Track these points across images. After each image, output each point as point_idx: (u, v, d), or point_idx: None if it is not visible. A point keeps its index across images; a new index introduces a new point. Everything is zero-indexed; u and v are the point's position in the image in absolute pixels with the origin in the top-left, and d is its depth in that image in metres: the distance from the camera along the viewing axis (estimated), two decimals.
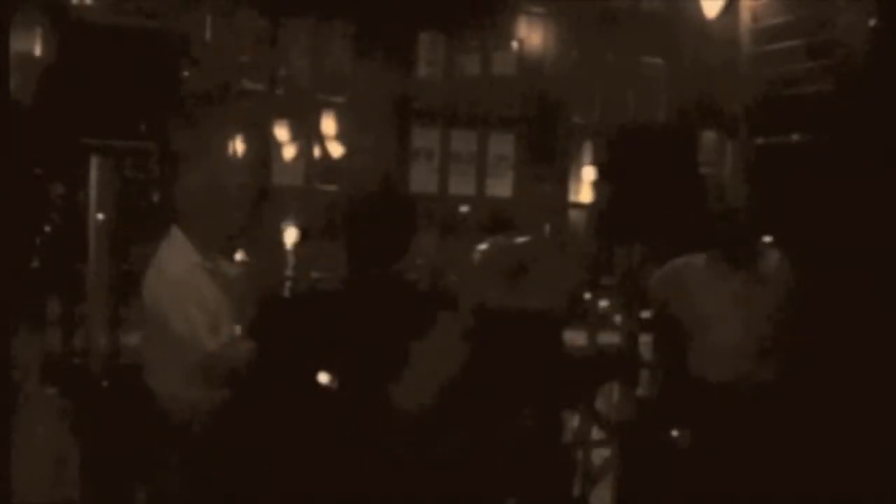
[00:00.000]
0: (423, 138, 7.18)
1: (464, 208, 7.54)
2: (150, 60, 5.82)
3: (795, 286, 5.34)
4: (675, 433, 5.50)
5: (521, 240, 5.52)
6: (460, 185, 7.27)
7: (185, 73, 6.20)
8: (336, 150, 7.53)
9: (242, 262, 6.57)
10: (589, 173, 7.71)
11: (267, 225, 6.66)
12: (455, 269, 6.14)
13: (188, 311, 4.82)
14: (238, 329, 5.05)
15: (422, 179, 7.11)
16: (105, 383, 5.64)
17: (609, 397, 7.39)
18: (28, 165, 5.85)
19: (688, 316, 5.49)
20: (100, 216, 6.20)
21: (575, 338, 6.24)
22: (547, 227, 7.27)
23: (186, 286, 4.88)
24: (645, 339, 7.34)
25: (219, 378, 4.87)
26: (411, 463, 4.68)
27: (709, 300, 5.36)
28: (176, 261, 4.98)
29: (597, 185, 7.55)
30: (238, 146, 7.08)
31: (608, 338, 7.46)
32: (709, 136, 7.21)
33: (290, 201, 6.86)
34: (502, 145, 7.45)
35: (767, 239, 5.51)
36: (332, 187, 6.94)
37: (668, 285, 5.63)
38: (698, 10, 7.11)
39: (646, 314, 7.53)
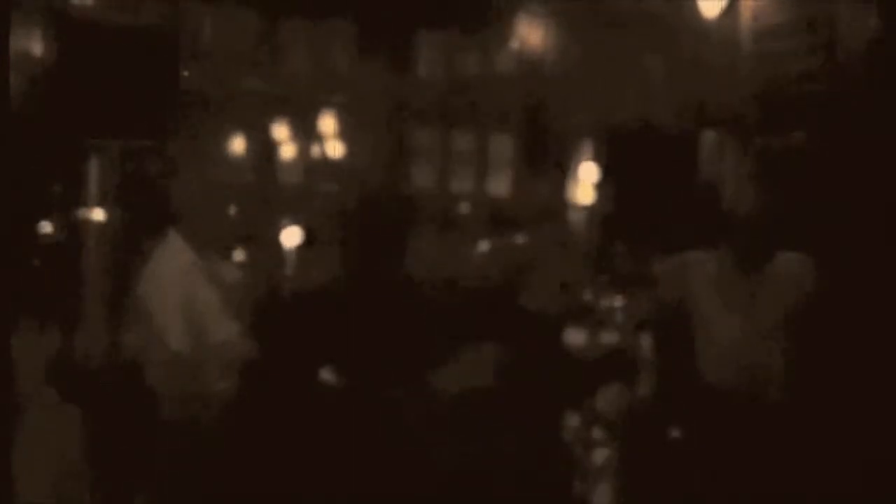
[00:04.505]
0: (423, 138, 7.17)
1: (464, 207, 7.54)
2: (150, 60, 5.82)
3: (802, 289, 5.33)
4: (675, 433, 5.49)
5: (520, 239, 5.52)
6: (460, 184, 7.26)
7: (185, 73, 6.19)
8: (336, 150, 7.52)
9: (241, 263, 6.57)
10: (589, 173, 7.71)
11: (266, 224, 6.65)
12: (455, 268, 6.14)
13: (168, 310, 4.84)
14: (236, 329, 5.05)
15: (421, 179, 7.10)
16: (105, 383, 5.64)
17: (609, 397, 7.37)
18: (28, 165, 5.84)
19: (691, 312, 5.48)
20: (99, 216, 6.20)
21: (575, 338, 6.24)
22: (547, 227, 7.26)
23: (175, 286, 4.89)
24: (645, 339, 7.33)
25: (213, 374, 4.88)
26: (412, 463, 4.67)
27: (713, 299, 5.35)
28: (169, 260, 4.99)
29: (597, 184, 7.54)
30: (237, 146, 7.08)
31: (608, 338, 7.45)
32: (709, 136, 7.20)
33: (290, 201, 6.85)
34: (502, 145, 7.44)
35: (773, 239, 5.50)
36: (332, 187, 6.93)
37: (673, 276, 5.62)
38: (698, 10, 7.11)
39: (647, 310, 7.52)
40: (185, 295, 4.89)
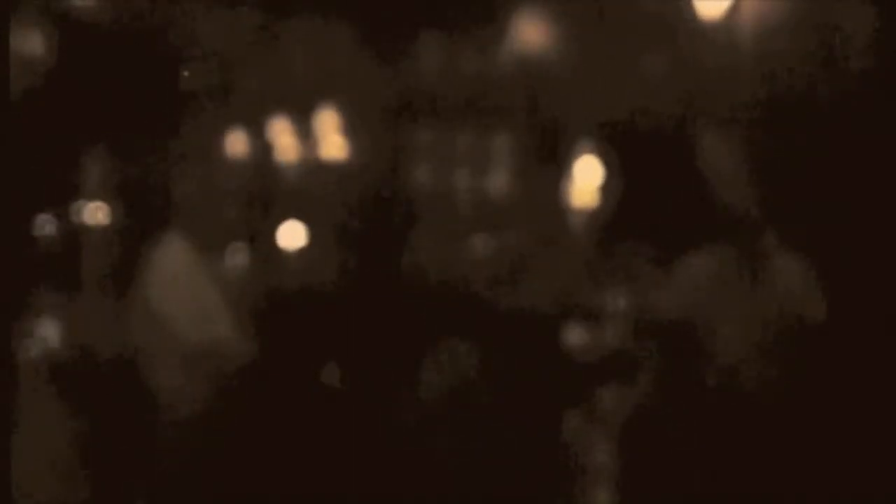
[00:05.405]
0: (423, 138, 7.17)
1: (463, 207, 7.54)
2: (150, 60, 5.83)
3: (803, 287, 5.34)
4: (675, 433, 5.50)
5: (520, 238, 5.53)
6: (459, 184, 7.26)
7: (185, 73, 6.20)
8: (336, 150, 7.53)
9: (240, 262, 6.57)
10: (589, 172, 7.71)
11: (266, 224, 6.65)
12: (454, 267, 6.14)
13: (169, 310, 4.86)
14: (236, 328, 5.06)
15: (421, 178, 7.10)
16: (105, 383, 5.64)
17: (609, 397, 7.37)
18: (28, 165, 5.85)
19: (691, 312, 5.49)
20: (99, 215, 6.21)
21: (575, 338, 6.25)
22: (547, 226, 7.26)
23: (175, 286, 4.91)
24: (645, 340, 7.33)
25: (212, 375, 4.89)
26: (410, 463, 4.68)
27: (713, 299, 5.37)
28: (170, 260, 5.00)
29: (597, 183, 7.55)
30: (237, 146, 7.09)
31: (608, 338, 7.44)
32: (709, 136, 7.19)
33: (289, 201, 6.85)
34: (502, 144, 7.44)
35: (773, 239, 5.51)
36: (331, 187, 6.93)
37: (674, 276, 5.64)
38: (698, 9, 7.11)
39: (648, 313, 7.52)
40: (185, 295, 4.91)
